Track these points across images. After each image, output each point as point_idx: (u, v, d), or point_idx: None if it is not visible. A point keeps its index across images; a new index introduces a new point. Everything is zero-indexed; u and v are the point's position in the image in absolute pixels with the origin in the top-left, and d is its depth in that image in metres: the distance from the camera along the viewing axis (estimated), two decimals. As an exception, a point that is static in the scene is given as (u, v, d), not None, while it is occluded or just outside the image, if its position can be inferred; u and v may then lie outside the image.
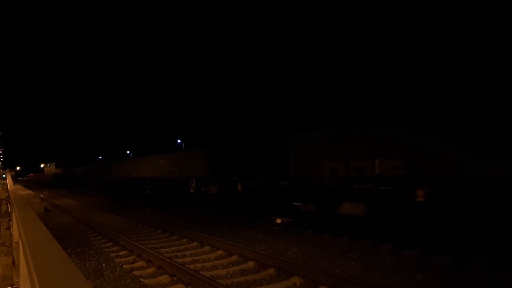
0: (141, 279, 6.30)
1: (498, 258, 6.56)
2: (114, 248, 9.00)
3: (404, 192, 8.85)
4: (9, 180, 20.37)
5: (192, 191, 19.70)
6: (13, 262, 5.02)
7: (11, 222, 7.13)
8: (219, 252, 8.13)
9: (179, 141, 51.40)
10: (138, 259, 7.79)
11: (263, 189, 14.09)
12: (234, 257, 7.62)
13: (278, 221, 11.45)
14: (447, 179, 8.16)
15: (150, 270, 6.93)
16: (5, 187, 20.52)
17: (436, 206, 8.20)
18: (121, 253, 8.48)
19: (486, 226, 7.29)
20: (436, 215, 8.29)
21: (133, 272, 6.73)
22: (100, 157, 68.66)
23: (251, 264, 7.08)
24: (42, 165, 68.78)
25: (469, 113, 8.03)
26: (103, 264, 7.35)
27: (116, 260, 7.76)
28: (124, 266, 7.24)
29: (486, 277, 5.94)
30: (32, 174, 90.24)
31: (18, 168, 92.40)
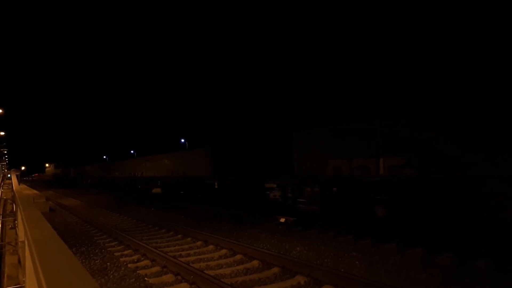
0: (146, 278, 6.32)
1: (502, 257, 6.53)
2: (118, 247, 9.04)
3: (211, 183, 16.90)
4: (14, 180, 20.48)
5: (139, 186, 28.66)
6: (19, 261, 5.05)
7: (16, 222, 7.17)
8: (223, 251, 8.14)
9: (182, 140, 51.46)
10: (142, 258, 7.82)
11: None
12: (238, 256, 7.63)
13: (282, 220, 11.44)
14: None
15: (155, 269, 6.96)
16: (11, 187, 20.63)
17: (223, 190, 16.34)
18: (125, 252, 8.51)
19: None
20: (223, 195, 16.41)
21: (138, 271, 6.75)
22: (105, 157, 69.05)
23: (255, 263, 7.09)
24: (47, 165, 69.71)
25: (474, 111, 7.92)
26: (108, 263, 7.38)
27: (120, 259, 7.79)
28: (129, 265, 7.27)
29: (489, 276, 5.92)
30: (37, 174, 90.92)
31: (23, 168, 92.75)
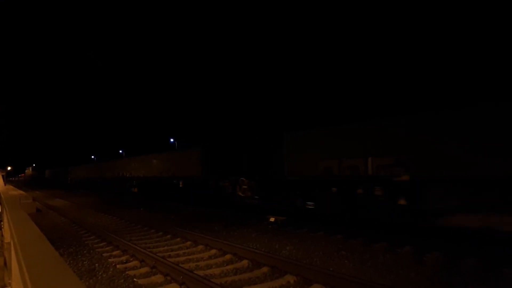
0: (135, 279, 6.26)
1: (489, 255, 6.64)
2: (107, 248, 8.94)
3: (203, 182, 17.98)
4: None
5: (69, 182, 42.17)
6: (5, 263, 4.96)
7: (2, 223, 7.04)
8: (213, 251, 8.11)
9: (172, 140, 51.14)
10: (131, 259, 7.75)
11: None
12: (228, 256, 7.61)
13: (272, 219, 11.46)
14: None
15: (144, 270, 6.90)
16: (-4, 188, 20.23)
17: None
18: (114, 253, 8.42)
19: None
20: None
21: (127, 272, 6.69)
22: (93, 157, 68.42)
23: (245, 263, 7.08)
24: (34, 165, 70.25)
25: (463, 111, 8.00)
26: (96, 264, 7.30)
27: (109, 260, 7.71)
28: (118, 266, 7.20)
29: (477, 274, 6.01)
30: (23, 174, 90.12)
31: (9, 168, 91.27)
